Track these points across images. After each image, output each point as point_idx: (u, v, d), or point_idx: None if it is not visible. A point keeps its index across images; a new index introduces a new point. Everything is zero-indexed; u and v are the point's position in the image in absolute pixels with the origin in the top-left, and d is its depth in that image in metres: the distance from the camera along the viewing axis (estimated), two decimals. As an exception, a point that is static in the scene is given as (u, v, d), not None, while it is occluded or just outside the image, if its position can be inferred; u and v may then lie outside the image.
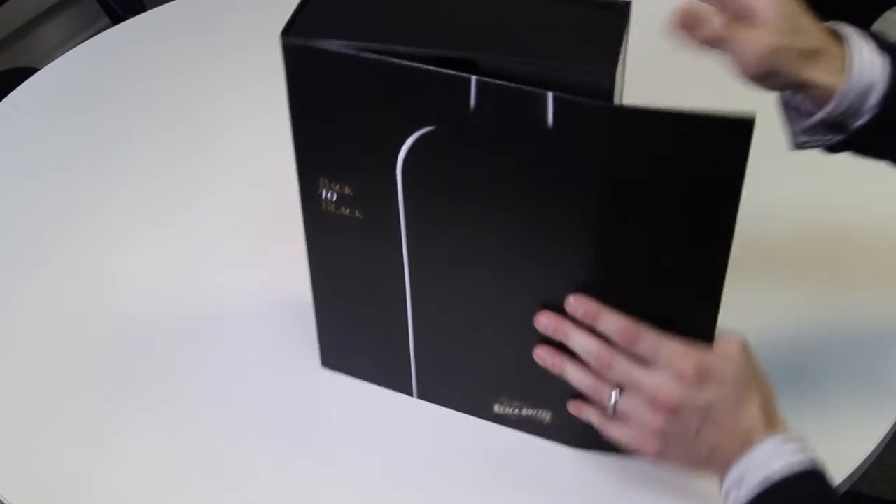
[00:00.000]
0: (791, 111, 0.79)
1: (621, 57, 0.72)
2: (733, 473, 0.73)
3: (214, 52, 1.28)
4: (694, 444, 0.74)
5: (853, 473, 0.86)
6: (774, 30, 0.73)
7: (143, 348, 0.96)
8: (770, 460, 0.71)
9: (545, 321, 0.78)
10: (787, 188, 1.10)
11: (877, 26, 1.80)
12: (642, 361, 0.75)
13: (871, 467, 0.89)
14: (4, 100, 1.25)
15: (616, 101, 0.72)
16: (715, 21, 0.73)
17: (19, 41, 2.22)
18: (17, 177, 1.15)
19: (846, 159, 0.81)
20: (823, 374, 0.93)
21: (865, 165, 0.81)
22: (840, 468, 0.85)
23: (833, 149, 0.79)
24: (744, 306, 0.98)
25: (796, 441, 0.73)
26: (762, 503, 0.70)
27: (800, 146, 0.80)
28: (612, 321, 0.75)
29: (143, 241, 1.06)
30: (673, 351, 0.74)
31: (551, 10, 0.76)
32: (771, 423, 0.74)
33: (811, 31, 0.74)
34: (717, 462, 0.74)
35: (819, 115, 0.75)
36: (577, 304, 0.76)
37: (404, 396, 0.91)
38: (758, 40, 0.73)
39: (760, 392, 0.75)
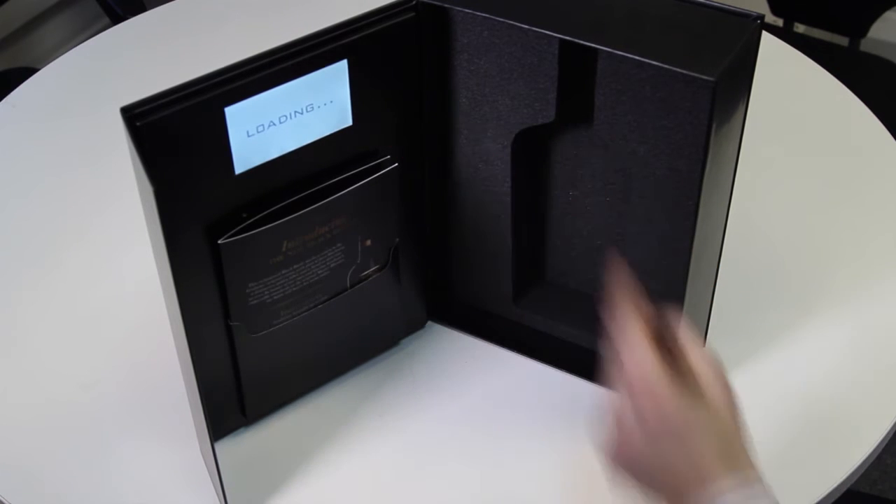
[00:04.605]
0: None
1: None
2: None
3: (214, 52, 1.28)
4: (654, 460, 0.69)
5: (853, 473, 0.86)
6: None
7: (146, 349, 0.96)
8: None
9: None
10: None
11: (877, 26, 1.79)
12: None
13: (871, 467, 0.89)
14: (4, 100, 1.24)
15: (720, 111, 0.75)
16: None
17: (19, 41, 2.22)
18: (18, 177, 1.15)
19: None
20: (823, 373, 0.93)
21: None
22: (840, 468, 0.85)
23: None
24: (743, 296, 0.98)
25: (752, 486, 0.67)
26: None
27: None
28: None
29: (145, 242, 1.06)
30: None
31: (681, 12, 0.79)
32: (732, 463, 0.67)
33: None
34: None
35: None
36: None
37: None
38: None
39: (724, 428, 0.68)
